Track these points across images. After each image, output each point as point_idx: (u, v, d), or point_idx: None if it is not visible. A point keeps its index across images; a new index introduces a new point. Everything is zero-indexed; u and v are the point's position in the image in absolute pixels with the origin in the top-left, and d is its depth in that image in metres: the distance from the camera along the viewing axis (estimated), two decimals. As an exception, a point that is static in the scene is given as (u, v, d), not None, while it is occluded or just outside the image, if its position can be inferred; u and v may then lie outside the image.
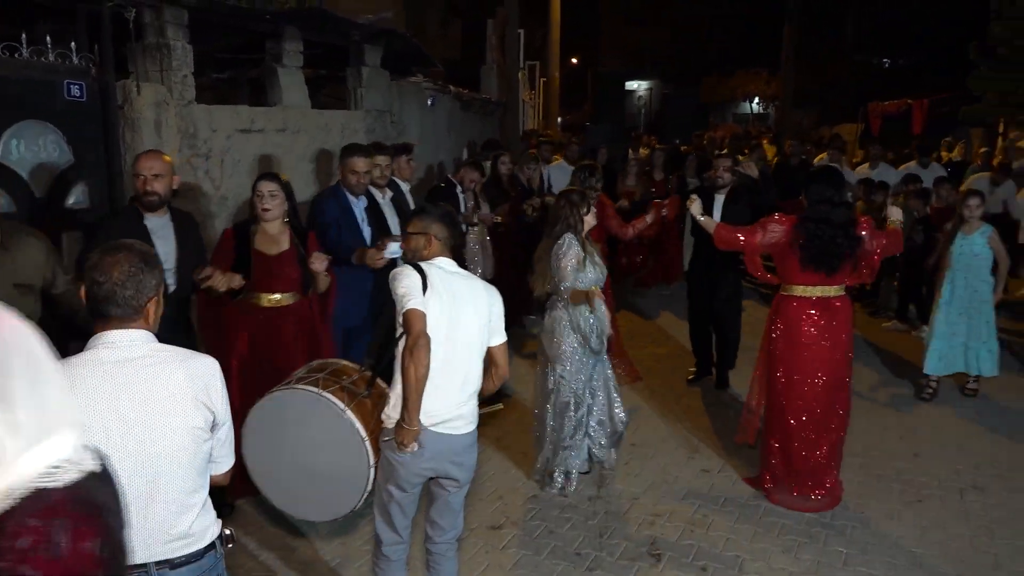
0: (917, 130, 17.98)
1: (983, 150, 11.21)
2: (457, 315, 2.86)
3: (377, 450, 3.00)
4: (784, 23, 24.76)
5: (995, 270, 5.84)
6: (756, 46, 29.31)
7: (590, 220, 4.42)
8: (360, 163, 4.46)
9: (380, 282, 4.75)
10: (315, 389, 3.14)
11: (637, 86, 37.40)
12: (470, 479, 3.05)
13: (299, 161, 5.81)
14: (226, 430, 2.11)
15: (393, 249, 4.33)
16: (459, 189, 6.27)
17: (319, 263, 3.98)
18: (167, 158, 3.77)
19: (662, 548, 3.96)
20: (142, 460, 1.90)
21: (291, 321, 4.03)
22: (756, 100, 33.41)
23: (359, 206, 4.54)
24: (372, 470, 3.08)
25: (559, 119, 22.88)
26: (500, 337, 3.01)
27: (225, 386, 2.10)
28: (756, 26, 29.21)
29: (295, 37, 5.74)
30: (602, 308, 4.40)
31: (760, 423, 4.67)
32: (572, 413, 4.52)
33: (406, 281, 2.81)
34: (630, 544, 4.00)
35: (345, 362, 3.46)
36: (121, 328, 1.95)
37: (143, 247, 2.03)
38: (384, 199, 4.79)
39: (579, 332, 4.38)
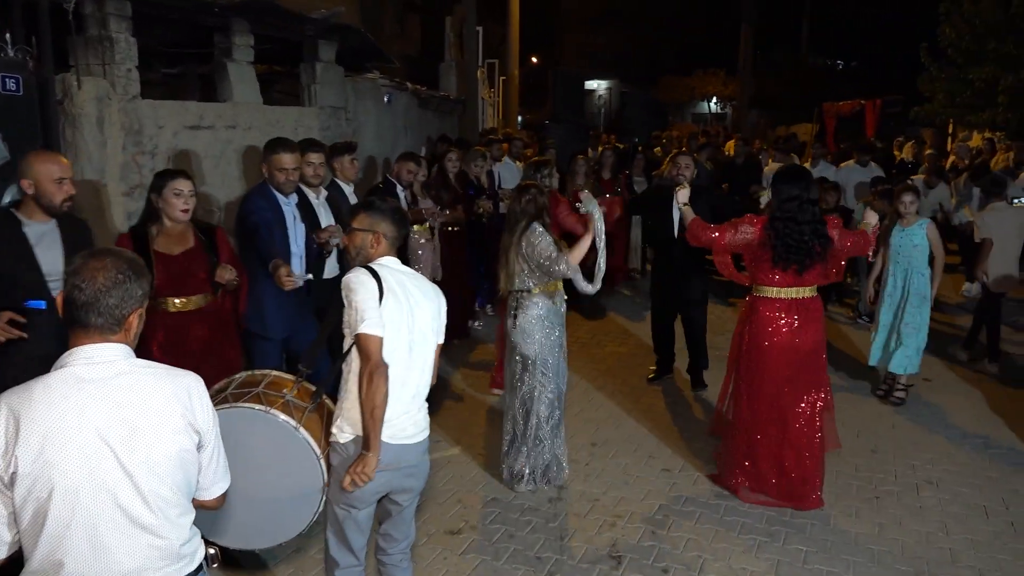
0: (870, 130, 18.35)
1: (928, 152, 11.42)
2: (414, 320, 2.74)
3: (329, 467, 2.86)
4: (741, 24, 25.06)
5: (933, 263, 5.90)
6: (714, 47, 29.65)
7: None
8: (286, 159, 4.14)
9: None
10: (260, 407, 2.92)
11: (597, 85, 37.56)
12: (423, 486, 2.95)
13: (251, 158, 5.64)
14: (211, 451, 1.98)
15: (306, 278, 4.14)
16: (400, 188, 5.94)
17: (226, 274, 3.69)
18: (65, 160, 3.50)
19: (623, 550, 3.91)
20: (127, 486, 1.78)
21: (204, 326, 3.74)
22: (714, 100, 33.80)
23: (289, 205, 4.26)
24: (325, 489, 2.90)
25: (519, 118, 22.86)
26: (441, 338, 2.92)
27: (211, 403, 1.99)
28: (714, 27, 29.55)
29: (245, 31, 5.58)
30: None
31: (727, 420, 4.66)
32: (550, 413, 4.48)
33: (361, 292, 2.63)
34: (591, 547, 3.95)
35: (276, 372, 3.23)
36: (101, 342, 1.82)
37: (132, 255, 1.92)
38: (318, 199, 4.55)
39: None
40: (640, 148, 12.68)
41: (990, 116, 14.86)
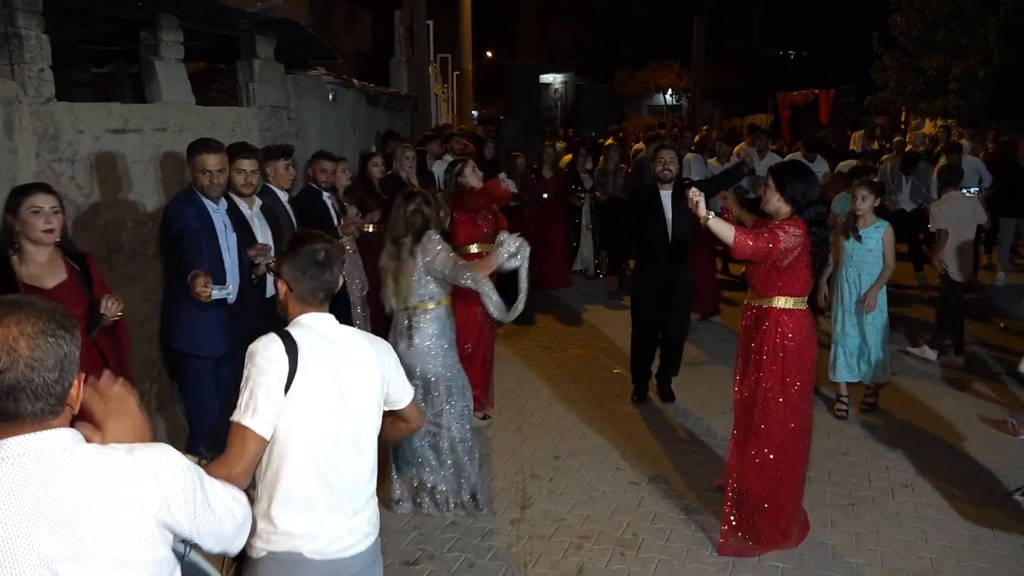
0: (824, 120, 18.42)
1: (897, 140, 11.35)
2: (344, 402, 2.13)
3: None
4: (694, 16, 25.05)
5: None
6: (669, 39, 29.67)
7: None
8: (210, 160, 3.77)
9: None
10: None
11: (553, 79, 37.35)
12: None
13: (183, 163, 5.26)
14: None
15: (227, 290, 3.73)
16: (325, 195, 5.32)
17: (112, 307, 3.21)
18: None
19: (591, 576, 3.67)
20: None
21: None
22: (669, 92, 33.87)
23: (219, 212, 3.91)
24: None
25: (475, 113, 22.53)
26: (407, 396, 2.40)
27: (198, 486, 1.50)
28: (668, 19, 29.55)
29: (173, 26, 5.18)
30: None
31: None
32: (462, 434, 4.17)
33: (260, 371, 2.02)
34: (556, 574, 3.70)
35: None
36: (34, 431, 1.35)
37: (48, 303, 1.44)
38: (252, 209, 4.20)
39: (491, 305, 3.94)
40: (610, 142, 12.49)
41: (942, 104, 14.99)
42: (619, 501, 4.39)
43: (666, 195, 5.46)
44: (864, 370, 5.48)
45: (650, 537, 4.00)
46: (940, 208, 6.65)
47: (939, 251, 6.52)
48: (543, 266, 8.47)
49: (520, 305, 3.96)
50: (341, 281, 2.30)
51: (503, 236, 3.84)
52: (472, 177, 5.46)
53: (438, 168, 7.66)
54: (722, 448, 5.01)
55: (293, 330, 2.14)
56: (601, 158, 9.53)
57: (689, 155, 9.04)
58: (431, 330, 4.01)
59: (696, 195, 3.62)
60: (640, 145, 12.25)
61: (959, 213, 6.59)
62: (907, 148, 10.58)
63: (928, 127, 15.98)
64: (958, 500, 4.35)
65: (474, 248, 5.45)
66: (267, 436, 2.03)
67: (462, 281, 3.80)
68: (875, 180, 6.14)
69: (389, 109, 10.18)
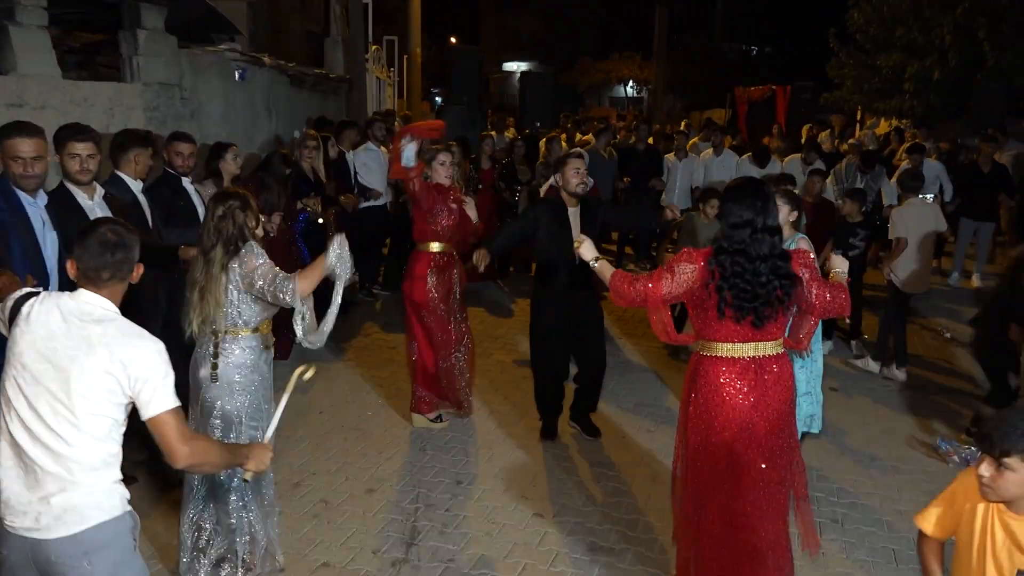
0: (780, 116, 18.14)
1: (851, 142, 11.02)
2: (46, 376, 2.14)
3: None
4: (655, 8, 24.70)
5: None
6: (631, 30, 29.32)
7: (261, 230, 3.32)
8: (24, 146, 3.23)
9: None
10: None
11: (516, 67, 36.80)
12: None
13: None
14: None
15: (35, 288, 3.13)
16: (186, 180, 4.66)
17: None
18: None
19: (470, 634, 3.20)
20: None
21: None
22: (630, 84, 33.56)
23: (36, 206, 3.35)
24: None
25: (438, 100, 21.82)
26: (155, 406, 2.16)
27: None
28: (631, 10, 29.21)
29: (35, -12, 4.58)
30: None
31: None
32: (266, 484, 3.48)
33: None
34: (431, 631, 3.22)
35: None
36: None
37: None
38: (93, 199, 3.63)
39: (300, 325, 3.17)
40: (555, 132, 12.00)
41: (897, 103, 14.78)
42: (519, 537, 3.91)
43: (574, 213, 4.72)
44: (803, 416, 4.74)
45: (546, 584, 3.53)
46: (901, 214, 6.21)
47: (894, 259, 6.14)
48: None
49: (327, 327, 3.24)
50: (139, 269, 2.30)
51: (337, 238, 3.15)
52: (440, 171, 4.91)
53: (359, 158, 7.06)
54: (645, 471, 4.58)
55: (48, 297, 2.25)
56: (542, 150, 9.04)
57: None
58: (242, 360, 3.26)
59: (580, 239, 3.47)
60: (589, 137, 11.78)
61: (921, 221, 6.21)
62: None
63: (883, 126, 15.79)
64: (892, 540, 3.96)
65: (435, 247, 4.97)
66: None
67: (280, 297, 3.06)
68: (794, 190, 5.61)
69: (319, 92, 9.56)
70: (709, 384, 3.10)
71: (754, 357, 3.07)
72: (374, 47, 12.88)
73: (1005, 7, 13.16)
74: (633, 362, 6.58)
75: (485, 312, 7.88)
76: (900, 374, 6.18)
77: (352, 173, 6.65)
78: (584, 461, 4.76)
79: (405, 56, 15.99)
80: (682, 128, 13.47)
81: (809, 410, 4.87)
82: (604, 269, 3.39)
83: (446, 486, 4.41)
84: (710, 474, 3.11)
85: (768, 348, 3.08)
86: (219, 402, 3.24)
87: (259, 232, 3.25)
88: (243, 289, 3.14)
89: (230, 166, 5.09)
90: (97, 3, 5.26)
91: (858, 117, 17.97)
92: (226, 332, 3.21)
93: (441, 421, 5.20)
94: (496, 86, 37.38)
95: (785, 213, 4.55)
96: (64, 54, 6.34)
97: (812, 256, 3.22)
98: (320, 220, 5.91)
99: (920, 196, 6.69)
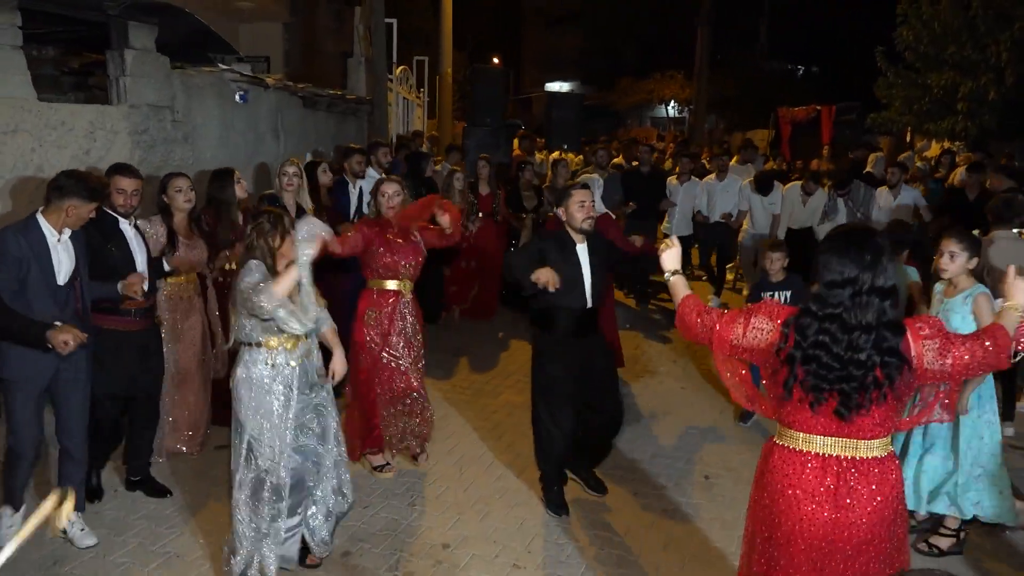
0: (825, 137, 17.47)
1: (830, 168, 10.44)
2: None
3: None
4: (697, 27, 24.21)
5: None
6: (673, 49, 28.85)
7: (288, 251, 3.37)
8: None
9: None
10: None
11: (558, 87, 36.54)
12: None
13: (16, 172, 4.39)
14: None
15: None
16: (124, 223, 4.01)
17: None
18: None
19: None
20: None
21: None
22: (672, 104, 33.02)
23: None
24: None
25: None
26: None
27: None
28: (672, 29, 28.76)
29: (8, 6, 4.33)
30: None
31: None
32: (271, 491, 3.42)
33: None
34: None
35: None
36: None
37: None
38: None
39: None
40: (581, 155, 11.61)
41: (949, 125, 14.02)
42: (501, 615, 3.46)
43: (582, 250, 4.24)
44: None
45: None
46: (996, 253, 5.01)
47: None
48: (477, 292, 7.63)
49: (312, 310, 3.41)
50: None
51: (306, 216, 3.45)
52: (382, 203, 4.61)
53: (365, 186, 6.59)
54: (657, 536, 4.09)
55: None
56: (548, 174, 8.61)
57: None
58: (250, 372, 3.42)
59: (670, 241, 2.92)
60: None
61: (1018, 261, 4.87)
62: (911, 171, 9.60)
63: (935, 149, 15.00)
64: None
65: (376, 285, 4.61)
66: None
67: (259, 311, 3.20)
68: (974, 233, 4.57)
69: (337, 113, 9.28)
70: (780, 478, 2.48)
71: (840, 457, 2.40)
72: (402, 68, 12.64)
73: (1067, 23, 12.37)
74: (647, 405, 6.07)
75: (497, 345, 7.46)
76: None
77: (356, 202, 6.17)
78: (587, 522, 4.28)
79: (437, 76, 15.77)
80: (712, 152, 12.96)
81: (975, 497, 3.91)
82: (679, 287, 2.78)
83: (431, 549, 3.98)
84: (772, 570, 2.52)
85: (858, 448, 2.39)
86: (233, 404, 3.44)
87: (284, 251, 3.34)
88: (237, 302, 3.31)
89: (229, 192, 4.81)
90: (89, 22, 5.01)
91: (908, 139, 17.20)
92: (241, 344, 3.43)
93: (388, 471, 4.76)
94: (539, 106, 37.15)
95: (963, 261, 3.84)
96: (61, 75, 6.16)
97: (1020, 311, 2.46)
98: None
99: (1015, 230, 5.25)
